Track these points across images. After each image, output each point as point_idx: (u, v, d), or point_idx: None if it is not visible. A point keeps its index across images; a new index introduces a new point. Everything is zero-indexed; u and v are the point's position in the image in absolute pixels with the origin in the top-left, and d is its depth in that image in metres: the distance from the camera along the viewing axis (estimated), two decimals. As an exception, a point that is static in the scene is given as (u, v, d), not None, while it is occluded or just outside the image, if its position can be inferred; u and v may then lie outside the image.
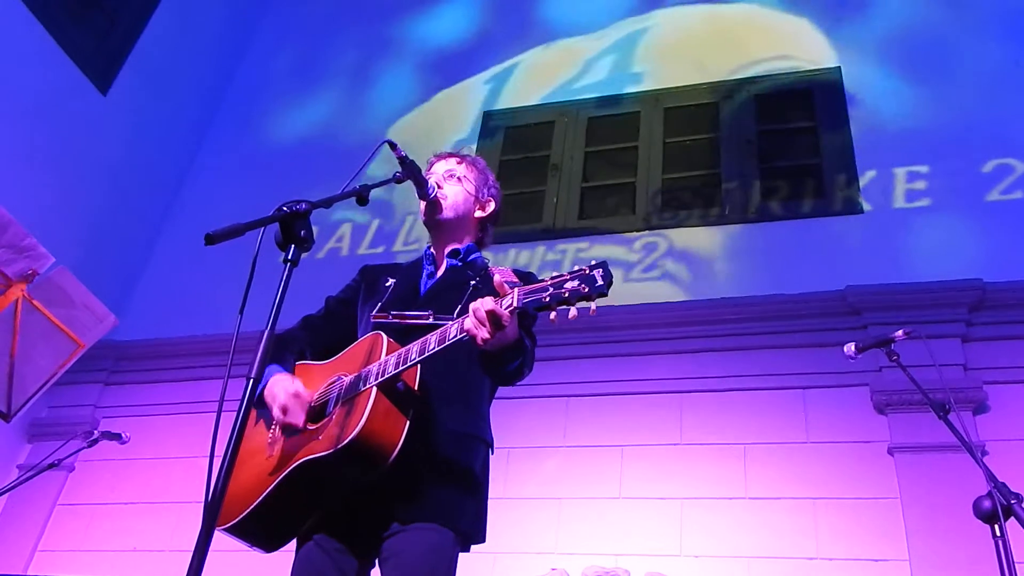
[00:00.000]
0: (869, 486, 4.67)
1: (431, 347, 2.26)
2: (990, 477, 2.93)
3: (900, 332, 3.48)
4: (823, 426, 4.94)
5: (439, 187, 2.78)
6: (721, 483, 4.89)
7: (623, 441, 5.17)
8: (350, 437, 2.21)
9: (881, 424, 4.85)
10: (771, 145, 6.42)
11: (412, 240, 6.60)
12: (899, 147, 5.91)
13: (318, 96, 8.09)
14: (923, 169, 5.76)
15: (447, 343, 2.23)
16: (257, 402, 2.50)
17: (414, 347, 2.30)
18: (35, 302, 2.87)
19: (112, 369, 6.58)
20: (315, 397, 2.48)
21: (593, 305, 2.04)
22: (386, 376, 2.29)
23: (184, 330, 6.47)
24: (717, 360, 5.34)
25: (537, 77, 7.41)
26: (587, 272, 2.06)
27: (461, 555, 2.45)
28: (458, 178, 2.85)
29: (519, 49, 7.64)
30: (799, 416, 5.01)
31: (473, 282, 2.59)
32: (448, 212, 2.79)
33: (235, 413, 1.91)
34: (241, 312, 2.04)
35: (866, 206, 5.73)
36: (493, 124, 7.23)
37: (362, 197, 2.43)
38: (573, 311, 2.05)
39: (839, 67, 6.51)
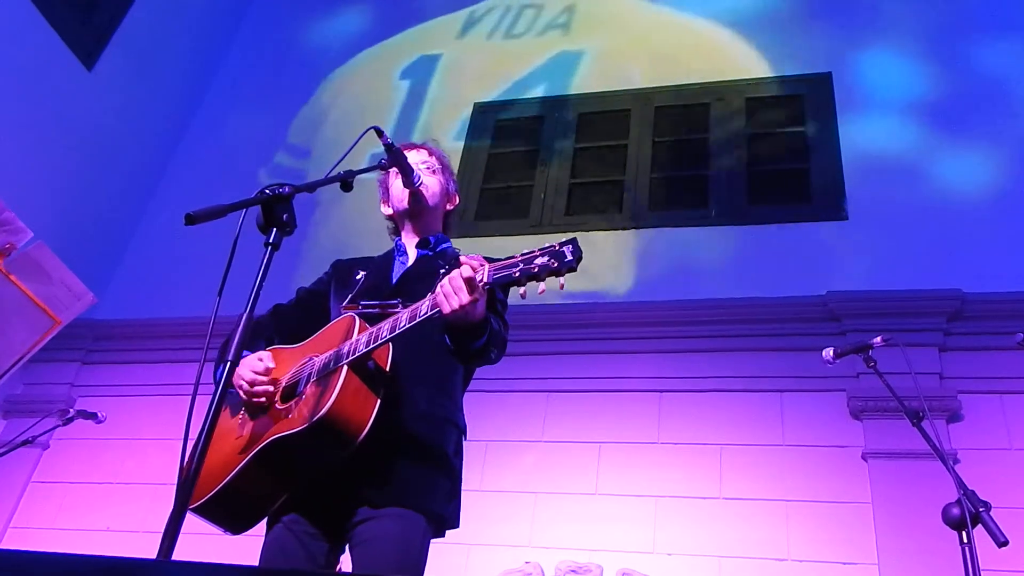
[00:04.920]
0: (842, 490, 4.71)
1: (402, 324, 2.27)
2: (960, 485, 2.96)
3: (878, 339, 3.51)
4: (799, 429, 4.97)
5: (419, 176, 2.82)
6: (696, 482, 4.92)
7: (601, 438, 5.19)
8: (320, 414, 2.22)
9: (856, 429, 4.88)
10: (760, 148, 6.43)
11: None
12: (886, 155, 5.94)
13: (305, 78, 8.05)
14: (908, 178, 5.78)
15: (418, 319, 2.24)
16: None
17: (385, 325, 2.31)
18: (11, 276, 2.85)
19: (90, 348, 6.55)
20: (286, 378, 2.49)
21: (562, 280, 2.07)
22: (357, 355, 2.30)
23: (164, 311, 6.44)
24: (697, 360, 5.36)
25: (529, 71, 7.40)
26: (557, 248, 2.08)
27: (435, 544, 2.44)
28: (433, 170, 2.89)
29: (512, 41, 7.63)
30: (776, 419, 5.03)
31: (443, 270, 2.57)
32: (430, 201, 2.83)
33: (210, 396, 1.91)
34: (220, 295, 2.03)
35: (851, 213, 5.75)
36: (484, 116, 7.22)
37: (346, 183, 2.43)
38: (542, 286, 2.09)
39: (830, 73, 6.53)
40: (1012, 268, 5.16)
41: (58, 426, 4.96)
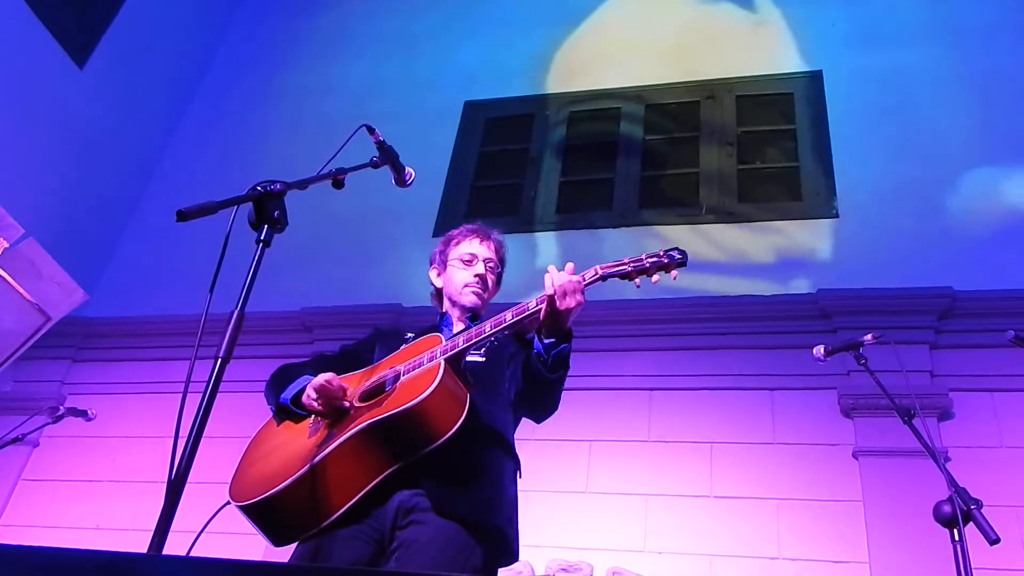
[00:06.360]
0: (833, 488, 4.71)
1: (507, 319, 2.39)
2: (951, 482, 2.95)
3: (869, 336, 3.50)
4: (790, 427, 4.98)
5: (484, 279, 2.90)
6: (687, 481, 4.91)
7: (591, 436, 5.18)
8: (423, 395, 2.26)
9: (847, 427, 4.89)
10: (750, 146, 6.44)
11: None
12: (876, 153, 5.95)
13: (296, 75, 8.04)
14: (899, 176, 5.79)
15: (525, 314, 2.39)
16: (284, 412, 2.59)
17: (486, 324, 2.42)
18: (2, 273, 2.84)
19: (80, 345, 6.53)
20: (364, 385, 2.52)
21: (674, 273, 2.43)
22: (457, 350, 2.40)
23: (155, 308, 6.42)
24: (687, 358, 5.36)
25: (521, 68, 7.39)
26: (663, 252, 2.43)
27: None
28: (495, 272, 2.97)
29: (502, 39, 7.62)
30: (766, 417, 5.04)
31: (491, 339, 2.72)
32: (485, 304, 2.93)
33: (201, 394, 1.90)
34: (211, 291, 2.02)
35: (841, 211, 5.76)
36: (474, 114, 7.21)
37: (338, 180, 2.43)
38: (656, 277, 2.43)
39: (820, 71, 6.54)
40: (1002, 266, 5.17)
41: (48, 424, 4.95)
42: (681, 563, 4.66)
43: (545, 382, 2.51)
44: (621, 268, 2.43)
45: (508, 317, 2.41)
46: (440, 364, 2.35)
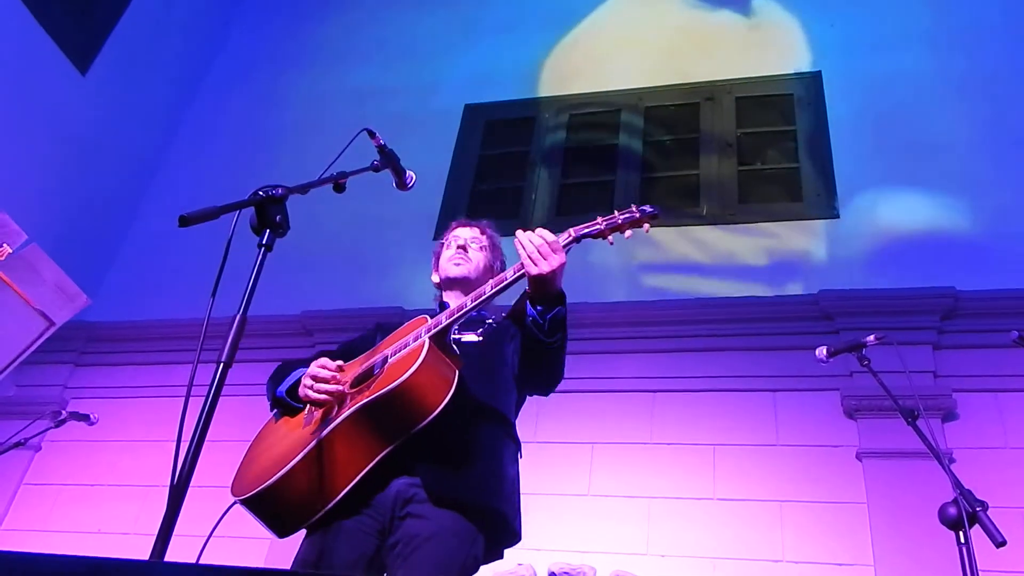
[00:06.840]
0: (837, 490, 4.70)
1: (487, 292, 2.40)
2: (956, 484, 2.95)
3: (871, 337, 3.50)
4: (793, 429, 4.96)
5: (465, 249, 2.93)
6: (690, 483, 4.90)
7: (593, 438, 5.18)
8: (408, 372, 2.26)
9: (850, 429, 4.87)
10: (750, 148, 6.44)
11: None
12: (877, 153, 5.94)
13: (297, 80, 8.04)
14: (900, 176, 5.79)
15: (503, 284, 2.40)
16: (279, 403, 2.61)
17: (467, 298, 2.44)
18: (5, 278, 2.83)
19: (83, 350, 6.53)
20: (355, 372, 2.53)
21: (647, 226, 2.41)
22: (441, 326, 2.40)
23: (157, 313, 6.42)
24: (689, 360, 5.35)
25: (521, 71, 7.39)
26: (635, 208, 2.41)
27: None
28: (480, 247, 3.00)
29: (502, 42, 7.62)
30: (769, 418, 5.03)
31: (489, 320, 2.76)
32: (471, 273, 2.90)
33: (204, 398, 1.89)
34: (213, 296, 2.01)
35: (842, 211, 5.75)
36: (474, 117, 7.21)
37: (339, 184, 2.43)
38: (628, 232, 2.42)
39: (820, 72, 6.53)
40: (1005, 266, 5.16)
41: (50, 428, 4.95)
42: (684, 566, 4.65)
43: (545, 348, 2.51)
44: (594, 227, 2.41)
45: (487, 289, 2.42)
46: (424, 342, 2.36)
